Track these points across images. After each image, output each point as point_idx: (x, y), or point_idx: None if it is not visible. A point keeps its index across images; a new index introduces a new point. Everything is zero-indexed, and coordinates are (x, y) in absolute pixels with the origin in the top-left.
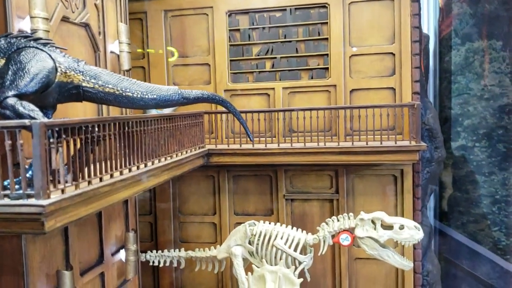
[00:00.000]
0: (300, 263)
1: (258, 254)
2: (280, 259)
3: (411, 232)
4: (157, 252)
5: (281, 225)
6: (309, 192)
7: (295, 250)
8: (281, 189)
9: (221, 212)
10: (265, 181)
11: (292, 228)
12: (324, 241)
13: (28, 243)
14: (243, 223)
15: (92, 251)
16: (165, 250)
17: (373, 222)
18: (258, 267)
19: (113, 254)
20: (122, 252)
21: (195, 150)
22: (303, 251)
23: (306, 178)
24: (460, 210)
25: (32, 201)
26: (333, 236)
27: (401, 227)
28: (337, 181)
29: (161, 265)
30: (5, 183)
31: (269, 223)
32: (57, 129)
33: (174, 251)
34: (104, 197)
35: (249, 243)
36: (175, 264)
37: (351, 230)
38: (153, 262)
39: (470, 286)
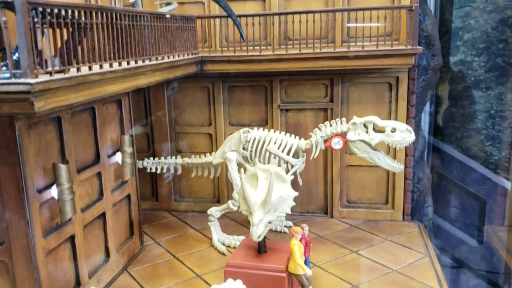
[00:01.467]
0: (292, 166)
1: (251, 159)
2: (275, 164)
3: (403, 134)
4: (154, 159)
5: (274, 132)
6: (304, 101)
7: (287, 154)
8: (275, 100)
9: (217, 123)
10: (260, 91)
11: (285, 134)
12: (316, 146)
13: (22, 134)
14: None
15: (88, 151)
16: (162, 157)
17: (365, 125)
18: None
19: (109, 156)
20: (118, 154)
21: (187, 55)
22: (296, 156)
23: (301, 88)
24: (455, 126)
25: (19, 80)
26: (325, 141)
27: (393, 130)
28: (332, 90)
29: (158, 171)
30: None
31: (263, 130)
32: (41, 9)
33: (171, 158)
34: (94, 86)
35: (243, 148)
36: (171, 171)
37: (343, 135)
38: (150, 168)
39: (461, 198)
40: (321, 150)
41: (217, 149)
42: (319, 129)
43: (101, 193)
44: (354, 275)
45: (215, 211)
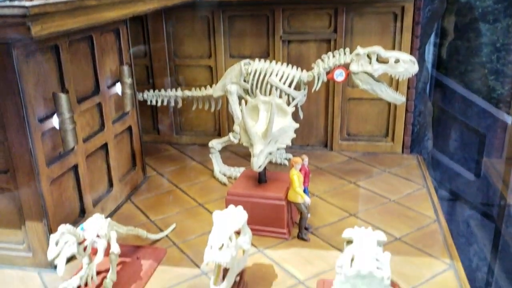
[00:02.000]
0: (293, 99)
1: (252, 92)
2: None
3: (406, 65)
4: (153, 91)
5: (276, 63)
6: (307, 32)
7: (289, 86)
8: (278, 30)
9: (217, 54)
10: (262, 21)
11: (287, 66)
12: (318, 78)
13: (21, 63)
14: None
15: (87, 82)
16: (162, 90)
17: (368, 56)
18: None
19: (109, 87)
20: (118, 85)
21: None
22: (297, 89)
23: (305, 18)
24: (459, 59)
25: (14, 3)
26: (327, 73)
27: (397, 61)
28: (336, 20)
29: (159, 104)
30: None
31: (264, 61)
32: None
33: (171, 90)
34: (91, 12)
35: (244, 81)
36: (172, 104)
37: (346, 66)
38: (151, 101)
39: (461, 132)
40: (323, 82)
41: (217, 82)
42: (322, 60)
43: (102, 124)
44: (352, 205)
45: (216, 143)
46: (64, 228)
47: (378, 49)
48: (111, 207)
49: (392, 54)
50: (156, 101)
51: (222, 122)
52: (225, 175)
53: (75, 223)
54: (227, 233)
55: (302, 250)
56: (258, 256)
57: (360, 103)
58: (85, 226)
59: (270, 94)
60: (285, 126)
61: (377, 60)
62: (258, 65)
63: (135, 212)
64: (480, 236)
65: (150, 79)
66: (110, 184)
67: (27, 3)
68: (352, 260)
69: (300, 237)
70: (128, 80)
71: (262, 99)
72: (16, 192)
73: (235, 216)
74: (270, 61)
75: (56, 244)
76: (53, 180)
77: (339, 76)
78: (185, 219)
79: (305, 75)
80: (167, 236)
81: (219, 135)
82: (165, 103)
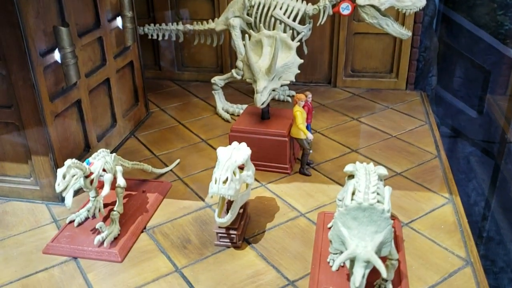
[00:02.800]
0: (298, 33)
1: (256, 26)
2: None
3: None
4: (155, 25)
5: None
6: None
7: (294, 20)
8: None
9: None
10: None
11: None
12: (324, 11)
13: None
14: None
15: (87, 15)
16: (163, 24)
17: None
18: None
19: (109, 21)
20: (119, 19)
21: None
22: (302, 23)
23: None
24: None
25: None
26: (333, 6)
27: None
28: None
29: (160, 38)
30: None
31: None
32: None
33: (172, 24)
34: None
35: (248, 14)
36: (173, 38)
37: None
38: (152, 35)
39: (466, 69)
40: (328, 16)
41: (219, 16)
42: None
43: (104, 59)
44: (354, 141)
45: (218, 80)
46: (71, 161)
47: None
48: (115, 142)
49: None
50: (157, 36)
51: (224, 58)
52: (227, 112)
53: (80, 157)
54: (231, 167)
55: (304, 184)
56: (260, 190)
57: (365, 38)
58: (91, 160)
59: (274, 28)
60: (289, 62)
61: None
62: None
63: (139, 147)
64: (480, 172)
65: (150, 13)
66: (114, 119)
67: None
68: (353, 193)
69: (302, 172)
70: (128, 14)
71: (266, 34)
72: (21, 127)
73: (239, 151)
74: None
75: (64, 177)
76: (57, 115)
77: (345, 9)
78: (189, 155)
79: (310, 9)
80: (171, 170)
81: (221, 71)
82: (166, 38)
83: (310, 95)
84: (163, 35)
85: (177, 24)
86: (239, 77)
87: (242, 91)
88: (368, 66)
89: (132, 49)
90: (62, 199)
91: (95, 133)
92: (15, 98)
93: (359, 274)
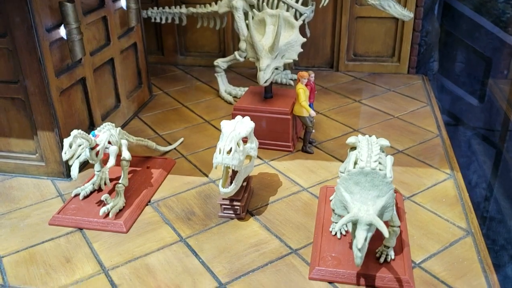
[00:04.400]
0: (301, 14)
1: (259, 8)
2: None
3: None
4: (158, 8)
5: None
6: None
7: (296, 1)
8: None
9: None
10: None
11: None
12: None
13: None
14: None
15: None
16: (166, 7)
17: None
18: None
19: (114, 1)
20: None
21: None
22: (305, 4)
23: None
24: None
25: None
26: None
27: None
28: None
29: (163, 22)
30: None
31: None
32: None
33: (175, 7)
34: None
35: None
36: (176, 21)
37: None
38: (155, 18)
39: (466, 55)
40: None
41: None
42: None
43: (108, 39)
44: (356, 121)
45: (221, 62)
46: (77, 132)
47: None
48: (119, 122)
49: None
50: (160, 19)
51: (227, 43)
52: (230, 94)
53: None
54: (235, 138)
55: (306, 161)
56: (263, 166)
57: (367, 22)
58: (96, 133)
59: (277, 9)
60: (292, 40)
61: None
62: None
63: (143, 127)
64: (481, 154)
65: None
66: (118, 99)
67: None
68: (355, 163)
69: (304, 150)
70: None
71: (269, 12)
72: (27, 102)
73: (242, 124)
74: None
75: (70, 146)
76: (63, 91)
77: None
78: (192, 134)
79: None
80: (175, 149)
81: (224, 56)
82: (169, 21)
83: (313, 74)
84: (166, 18)
85: (180, 7)
86: (242, 59)
87: (244, 75)
88: (370, 50)
89: (135, 30)
90: (67, 175)
91: (99, 111)
92: (21, 73)
93: (361, 236)
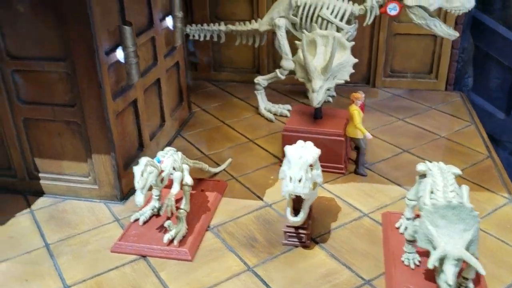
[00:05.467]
0: (345, 33)
1: (302, 26)
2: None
3: (463, 0)
4: (196, 25)
5: None
6: None
7: (340, 20)
8: None
9: None
10: None
11: None
12: (371, 12)
13: None
14: None
15: (142, 15)
16: (205, 24)
17: None
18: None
19: (161, 21)
20: (168, 19)
21: None
22: (348, 23)
23: None
24: None
25: None
26: (380, 6)
27: None
28: None
29: (201, 39)
30: None
31: None
32: None
33: (214, 25)
34: None
35: (293, 15)
36: (215, 39)
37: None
38: (193, 36)
39: (498, 71)
40: (375, 16)
41: (258, 16)
42: None
43: (155, 59)
44: (403, 141)
45: (262, 80)
46: (147, 159)
47: None
48: (164, 142)
49: None
50: (199, 36)
51: (261, 59)
52: (270, 111)
53: (136, 156)
54: (304, 166)
55: (361, 184)
56: (319, 190)
57: (405, 39)
58: (161, 158)
59: (321, 28)
60: (344, 61)
61: None
62: None
63: (188, 146)
64: None
65: (188, 11)
66: (163, 119)
67: None
68: (431, 192)
69: (357, 172)
70: (179, 14)
71: (320, 33)
72: (83, 125)
73: (308, 150)
74: None
75: (141, 174)
76: (118, 114)
77: (393, 10)
78: (238, 154)
79: (356, 9)
80: (225, 170)
81: (258, 72)
82: (207, 38)
83: (363, 95)
84: (205, 36)
85: (219, 24)
86: (283, 77)
87: (280, 91)
88: (408, 66)
89: (178, 49)
90: (121, 198)
91: (148, 132)
92: (79, 97)
93: (451, 272)
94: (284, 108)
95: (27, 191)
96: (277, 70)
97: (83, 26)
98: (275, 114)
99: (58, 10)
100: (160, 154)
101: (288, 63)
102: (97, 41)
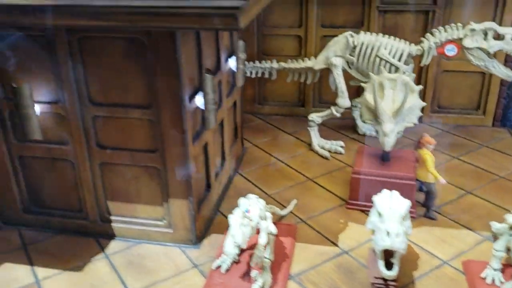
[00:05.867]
0: (403, 73)
1: (358, 65)
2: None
3: None
4: (249, 63)
5: (383, 36)
6: (405, 3)
7: (398, 60)
8: (375, 0)
9: (307, 24)
10: None
11: (394, 39)
12: (428, 52)
13: (180, 46)
14: (331, 35)
15: (212, 59)
16: (257, 61)
17: (483, 32)
18: (356, 78)
19: (225, 62)
20: (232, 60)
21: None
22: (405, 63)
23: None
24: None
25: None
26: (438, 47)
27: None
28: None
29: (253, 76)
30: None
31: (370, 34)
32: None
33: (266, 62)
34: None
35: (350, 54)
36: (266, 76)
37: (457, 41)
38: (245, 73)
39: None
40: (433, 56)
41: (305, 52)
42: (432, 34)
43: (220, 100)
44: (463, 181)
45: (316, 117)
46: (240, 211)
47: (494, 25)
48: (225, 180)
49: (509, 31)
50: (251, 73)
51: (307, 93)
52: (323, 148)
53: (205, 198)
54: (399, 219)
55: (433, 229)
56: None
57: (454, 76)
58: (248, 208)
59: (378, 68)
60: (413, 105)
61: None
62: (365, 37)
63: (248, 185)
64: None
65: None
66: (223, 157)
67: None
68: None
69: (427, 216)
70: (242, 55)
71: (388, 76)
72: (162, 170)
73: (400, 202)
74: (365, 32)
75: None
76: (194, 157)
77: (451, 51)
78: (300, 195)
79: (414, 49)
80: (291, 212)
81: (303, 105)
82: (259, 75)
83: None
84: (256, 73)
85: (271, 61)
86: (338, 115)
87: (328, 125)
88: (455, 102)
89: (236, 88)
90: (195, 242)
91: (213, 173)
92: (161, 143)
93: None
94: (337, 145)
95: (98, 234)
96: (332, 108)
97: (172, 76)
98: (329, 151)
99: (147, 60)
100: (243, 202)
101: (344, 101)
102: (183, 89)
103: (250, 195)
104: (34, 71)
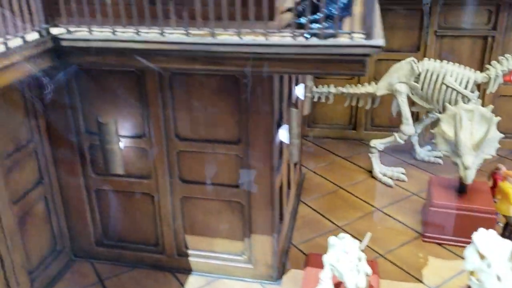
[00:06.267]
0: (469, 100)
1: (422, 92)
2: (451, 97)
3: None
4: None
5: (447, 62)
6: (462, 28)
7: (465, 88)
8: (433, 25)
9: None
10: (415, 16)
11: (459, 66)
12: (495, 80)
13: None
14: (386, 59)
15: (286, 90)
16: (314, 86)
17: None
18: (419, 104)
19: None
20: (299, 88)
21: None
22: (473, 90)
23: (461, 13)
24: None
25: (371, 41)
26: (505, 75)
27: None
28: (497, 17)
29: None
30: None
31: (434, 60)
32: None
33: (323, 86)
34: None
35: (414, 81)
36: (323, 100)
37: None
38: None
39: None
40: (499, 84)
41: (359, 78)
42: (499, 62)
43: None
44: None
45: (379, 144)
46: (336, 253)
47: None
48: (290, 209)
49: None
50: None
51: (358, 117)
52: (385, 175)
53: (280, 229)
54: (508, 263)
55: None
56: None
57: (510, 100)
58: (346, 249)
59: (444, 96)
60: (492, 136)
61: None
62: (429, 64)
63: (315, 215)
64: None
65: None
66: (288, 185)
67: (379, 42)
68: None
69: None
70: (310, 83)
71: (465, 108)
72: (246, 205)
73: (504, 244)
74: (421, 58)
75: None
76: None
77: None
78: (372, 227)
79: (480, 76)
80: (367, 245)
81: (354, 129)
82: (315, 100)
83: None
84: (313, 97)
85: (328, 86)
86: (402, 142)
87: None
88: (511, 127)
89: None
90: (276, 278)
91: (285, 203)
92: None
93: None
94: (399, 172)
95: (174, 268)
96: (395, 134)
97: (266, 113)
98: (390, 178)
99: (241, 97)
100: (334, 241)
101: (409, 128)
102: (274, 126)
103: (342, 235)
104: (121, 106)
